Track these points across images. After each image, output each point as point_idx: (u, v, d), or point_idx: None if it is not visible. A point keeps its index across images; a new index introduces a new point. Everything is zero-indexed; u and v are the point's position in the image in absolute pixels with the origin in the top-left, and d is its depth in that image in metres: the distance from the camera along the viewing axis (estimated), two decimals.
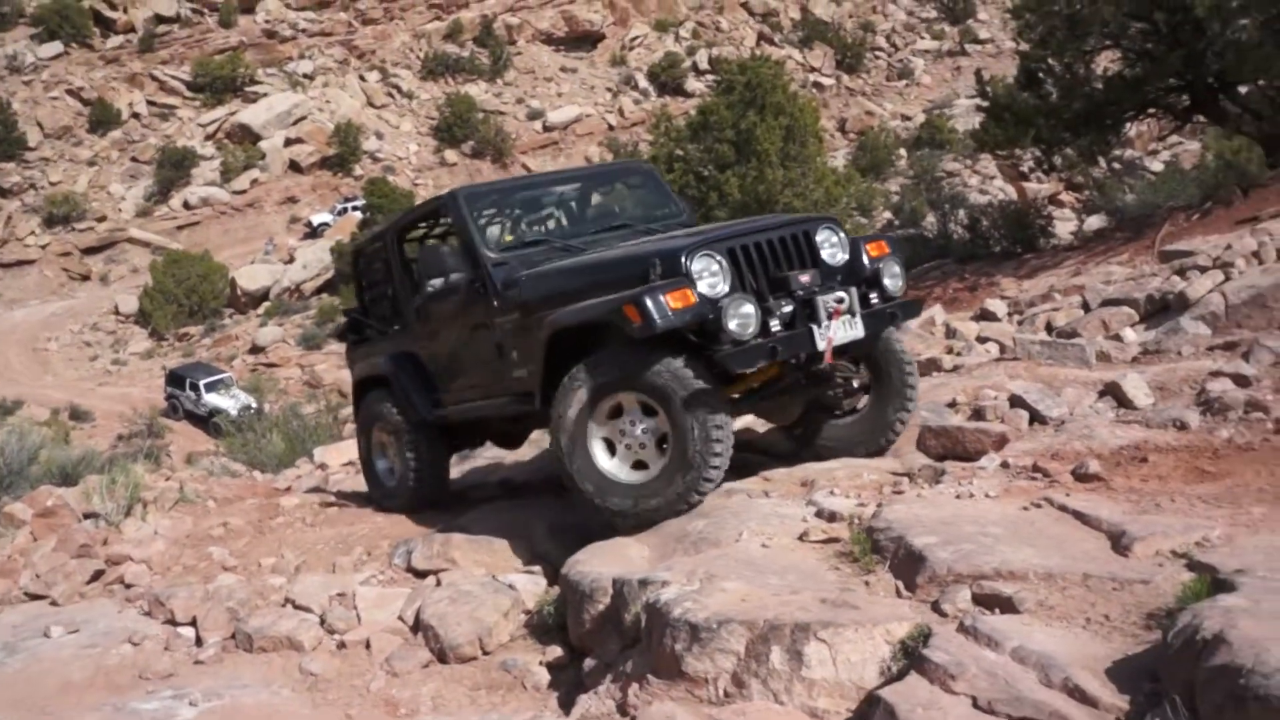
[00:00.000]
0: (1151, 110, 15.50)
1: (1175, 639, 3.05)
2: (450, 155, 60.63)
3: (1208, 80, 14.10)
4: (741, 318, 5.15)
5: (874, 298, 5.73)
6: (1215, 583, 3.46)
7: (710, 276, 5.23)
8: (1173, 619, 3.21)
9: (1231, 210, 11.51)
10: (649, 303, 5.06)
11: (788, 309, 5.37)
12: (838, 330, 5.34)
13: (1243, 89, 14.39)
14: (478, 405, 6.76)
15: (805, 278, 5.45)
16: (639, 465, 5.40)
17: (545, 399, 5.71)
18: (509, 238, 7.16)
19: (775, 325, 5.32)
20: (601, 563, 5.12)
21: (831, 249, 5.71)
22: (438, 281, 6.71)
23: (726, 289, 5.23)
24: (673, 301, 5.06)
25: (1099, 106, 14.96)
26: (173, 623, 5.90)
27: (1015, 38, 18.01)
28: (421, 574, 6.20)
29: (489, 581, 5.80)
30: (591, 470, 5.41)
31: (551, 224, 7.31)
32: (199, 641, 5.71)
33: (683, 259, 5.23)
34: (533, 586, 5.72)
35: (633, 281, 5.29)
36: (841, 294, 5.44)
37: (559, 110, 63.87)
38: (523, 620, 5.50)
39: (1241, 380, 6.25)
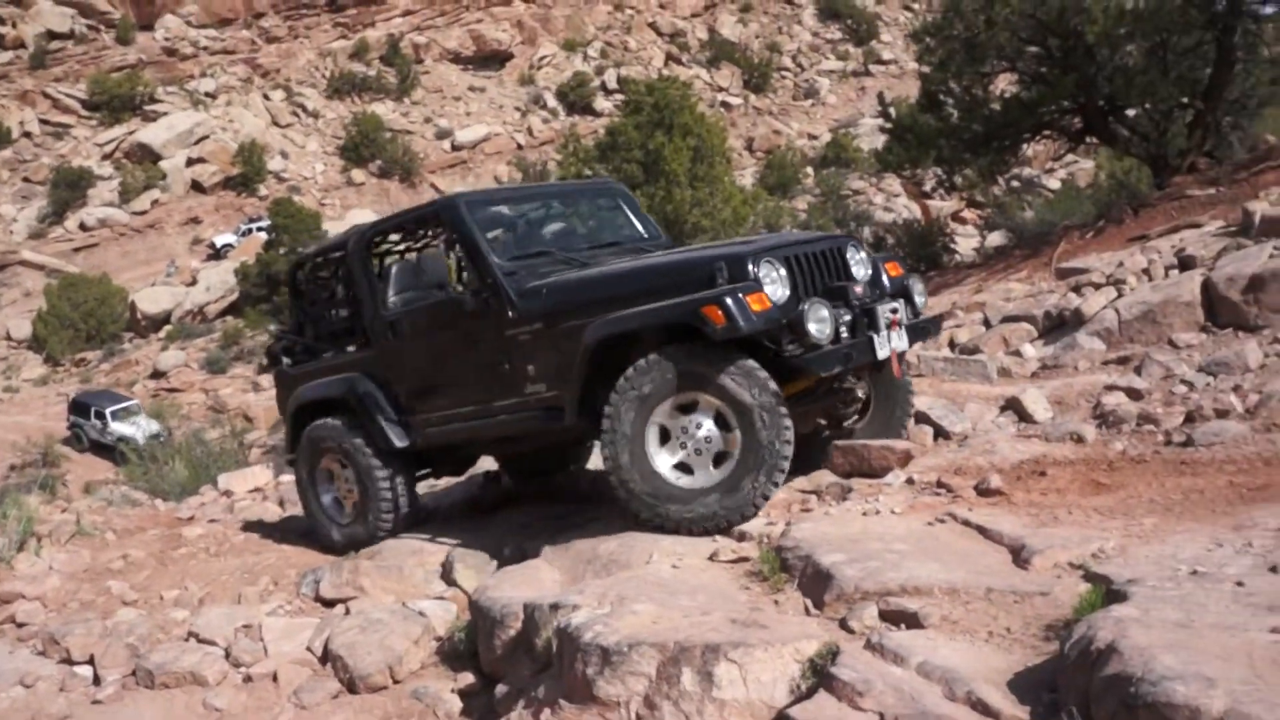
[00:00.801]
0: (1047, 131, 15.97)
1: (1072, 650, 3.14)
2: (357, 175, 59.93)
3: (1099, 103, 14.58)
4: (821, 322, 5.09)
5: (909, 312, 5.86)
6: (1109, 593, 3.57)
7: (771, 284, 5.17)
8: (1070, 630, 3.30)
9: (1123, 228, 11.91)
10: (732, 304, 4.94)
11: (847, 318, 5.39)
12: (895, 341, 5.40)
13: (1131, 112, 14.90)
14: (472, 425, 6.28)
15: (859, 289, 5.54)
16: (702, 469, 5.22)
17: (580, 410, 5.54)
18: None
19: (844, 333, 5.34)
20: (513, 587, 5.11)
21: (858, 265, 5.76)
22: (397, 296, 6.50)
23: (786, 295, 5.20)
24: (753, 304, 4.98)
25: (997, 127, 15.40)
26: (69, 662, 5.71)
27: (917, 60, 18.41)
28: (330, 603, 6.13)
29: (399, 609, 5.74)
30: (651, 476, 5.21)
31: (550, 236, 6.92)
32: (97, 680, 5.55)
33: (749, 264, 5.17)
34: (443, 613, 5.68)
35: (693, 286, 5.18)
36: (895, 305, 5.52)
37: (467, 129, 63.51)
38: (434, 647, 5.46)
39: (1134, 394, 6.48)
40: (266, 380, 35.71)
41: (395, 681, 5.23)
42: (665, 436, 5.26)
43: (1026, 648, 3.56)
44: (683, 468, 5.24)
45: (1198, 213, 10.30)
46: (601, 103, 64.97)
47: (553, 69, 69.30)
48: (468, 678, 5.08)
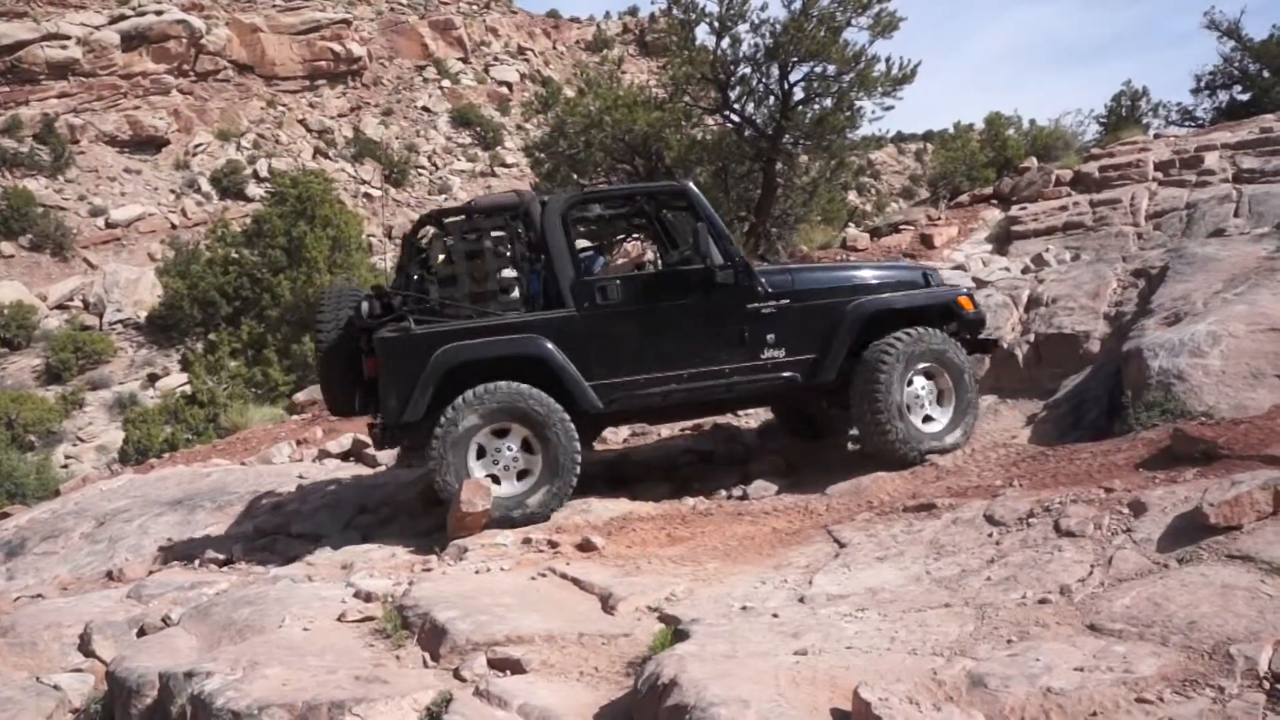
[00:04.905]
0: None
1: (644, 685, 3.27)
2: (7, 247, 53.11)
3: None
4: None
5: None
6: (676, 633, 3.76)
7: None
8: (643, 667, 3.44)
9: None
10: (974, 297, 6.70)
11: None
12: None
13: None
14: (696, 387, 6.13)
15: None
16: (940, 416, 6.33)
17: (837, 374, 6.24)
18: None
19: None
20: (149, 656, 4.66)
21: None
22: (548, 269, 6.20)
23: None
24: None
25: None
26: None
27: (531, 169, 18.96)
28: None
29: (31, 684, 5.05)
30: (909, 422, 6.16)
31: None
32: None
33: (939, 274, 6.97)
34: (80, 685, 5.05)
35: (915, 286, 6.56)
36: None
37: (122, 208, 58.19)
38: None
39: (704, 455, 6.92)
40: None
41: None
42: (906, 394, 6.24)
43: (612, 684, 3.66)
44: (916, 418, 6.24)
45: None
46: (253, 189, 61.75)
47: (208, 156, 65.11)
48: None
